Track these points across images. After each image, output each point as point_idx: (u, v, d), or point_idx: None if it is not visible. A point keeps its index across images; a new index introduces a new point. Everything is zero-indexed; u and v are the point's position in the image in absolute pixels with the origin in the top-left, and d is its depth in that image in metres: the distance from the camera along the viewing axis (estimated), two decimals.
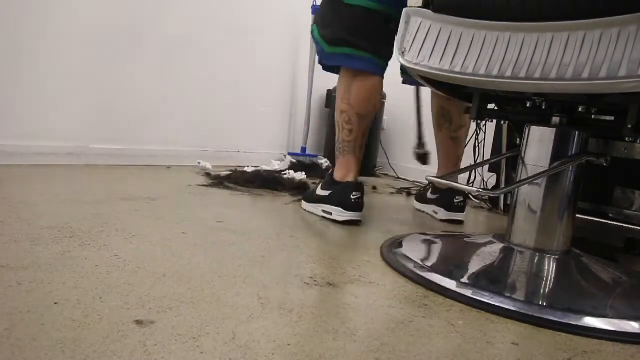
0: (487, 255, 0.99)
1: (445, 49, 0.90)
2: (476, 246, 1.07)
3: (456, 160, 1.63)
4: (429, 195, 1.62)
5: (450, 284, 0.85)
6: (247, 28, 2.27)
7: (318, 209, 1.38)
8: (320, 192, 1.39)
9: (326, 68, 1.46)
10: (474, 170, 2.00)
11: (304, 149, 2.47)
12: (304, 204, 1.45)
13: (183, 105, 2.08)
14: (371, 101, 1.37)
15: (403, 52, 0.97)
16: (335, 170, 1.41)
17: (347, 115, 1.37)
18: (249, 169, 1.90)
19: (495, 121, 1.80)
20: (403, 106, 2.72)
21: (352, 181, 1.35)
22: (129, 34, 1.85)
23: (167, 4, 1.95)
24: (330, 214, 1.33)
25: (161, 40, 1.96)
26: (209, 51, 2.03)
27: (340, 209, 1.31)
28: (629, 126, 0.83)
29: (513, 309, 0.77)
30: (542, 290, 0.86)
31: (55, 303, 0.62)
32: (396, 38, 1.00)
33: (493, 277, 0.88)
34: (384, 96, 2.55)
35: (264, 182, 1.72)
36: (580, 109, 0.92)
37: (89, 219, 1.03)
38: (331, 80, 2.62)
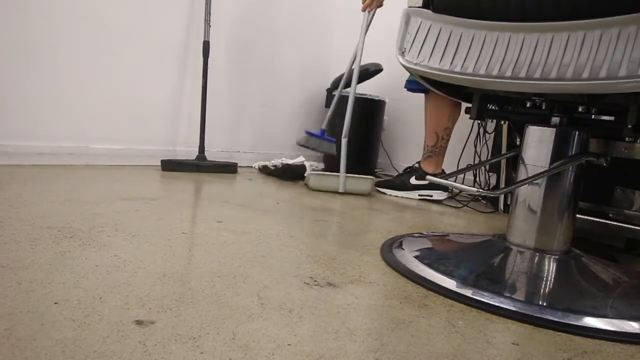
0: (487, 255, 0.99)
1: (445, 49, 0.90)
2: (476, 246, 1.07)
3: None
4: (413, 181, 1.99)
5: (450, 284, 0.85)
6: (249, 28, 2.28)
7: (414, 194, 1.94)
8: (415, 182, 1.94)
9: (413, 91, 2.01)
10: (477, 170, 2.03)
11: (323, 132, 2.11)
12: (391, 192, 1.97)
13: (183, 105, 2.08)
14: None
15: (403, 52, 0.97)
16: (427, 166, 1.95)
17: (449, 130, 1.93)
18: (271, 165, 2.17)
19: (494, 121, 1.81)
20: (403, 106, 2.72)
21: (442, 171, 1.98)
22: (128, 33, 1.85)
23: (165, 4, 1.95)
24: (431, 196, 1.93)
25: (160, 40, 1.96)
26: (209, 51, 2.03)
27: (440, 191, 1.94)
28: (629, 126, 0.83)
29: (513, 309, 0.77)
30: (542, 290, 0.86)
31: (55, 303, 0.62)
32: (397, 38, 1.00)
33: (493, 277, 0.88)
34: (384, 97, 2.55)
35: (294, 173, 2.12)
36: (580, 109, 0.92)
37: (89, 219, 1.03)
38: (330, 80, 2.63)
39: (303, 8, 2.51)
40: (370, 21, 1.98)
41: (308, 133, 2.10)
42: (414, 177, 1.96)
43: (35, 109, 1.65)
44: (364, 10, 1.96)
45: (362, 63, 2.15)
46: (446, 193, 1.97)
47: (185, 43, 2.04)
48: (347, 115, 1.92)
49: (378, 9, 1.98)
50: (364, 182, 1.88)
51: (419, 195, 1.94)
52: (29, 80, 1.62)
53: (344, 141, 1.90)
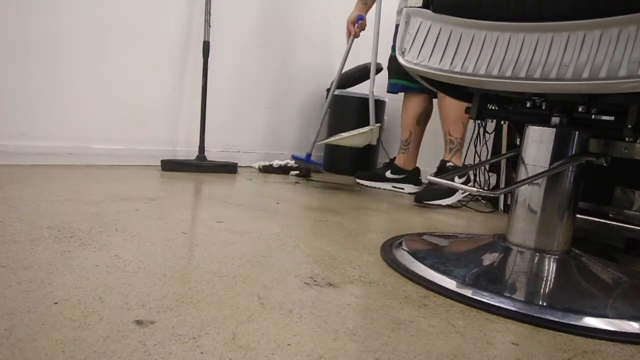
0: (487, 255, 0.99)
1: (445, 49, 0.90)
2: (476, 246, 1.07)
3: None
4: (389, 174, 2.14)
5: (450, 284, 0.85)
6: (249, 28, 2.27)
7: (388, 185, 2.08)
8: (390, 175, 2.09)
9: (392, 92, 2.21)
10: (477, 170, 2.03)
11: (309, 155, 2.30)
12: (367, 182, 2.12)
13: (183, 105, 2.08)
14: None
15: (403, 52, 0.97)
16: (400, 161, 2.11)
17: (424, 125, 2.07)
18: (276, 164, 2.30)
19: (494, 121, 1.81)
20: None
21: (417, 168, 2.15)
22: (128, 33, 1.85)
23: (165, 4, 1.95)
24: (403, 189, 2.06)
25: (160, 40, 1.96)
26: (209, 51, 2.03)
27: (412, 185, 2.07)
28: (629, 126, 0.83)
29: (513, 309, 0.77)
30: (542, 290, 0.86)
31: (55, 303, 0.62)
32: (397, 38, 1.00)
33: (493, 277, 0.88)
34: (384, 97, 2.55)
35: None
36: (580, 109, 0.92)
37: (89, 219, 1.03)
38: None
39: (304, 10, 2.51)
40: (350, 45, 2.19)
41: (295, 157, 2.30)
42: (389, 171, 2.12)
43: (35, 109, 1.65)
44: (358, 36, 2.17)
45: (362, 62, 2.20)
46: (417, 188, 2.06)
47: (185, 43, 2.04)
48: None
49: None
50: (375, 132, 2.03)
51: (393, 187, 2.09)
52: (29, 80, 1.62)
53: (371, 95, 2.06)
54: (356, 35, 2.17)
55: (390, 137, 2.80)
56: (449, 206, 1.86)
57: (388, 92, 2.23)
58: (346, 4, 2.66)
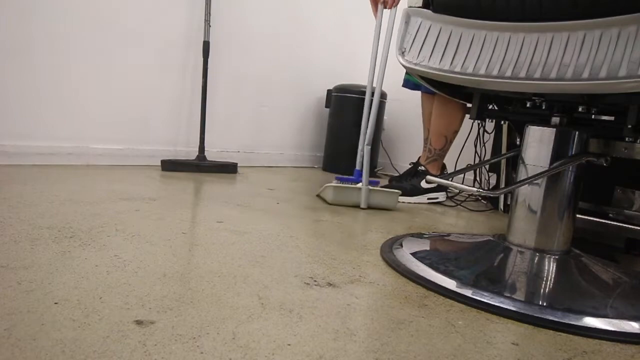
0: (487, 255, 0.99)
1: (445, 49, 0.90)
2: (476, 246, 1.07)
3: None
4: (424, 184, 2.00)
5: (450, 284, 0.85)
6: (249, 28, 2.28)
7: (424, 198, 1.91)
8: (425, 185, 1.92)
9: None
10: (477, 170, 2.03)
11: (358, 172, 1.64)
12: (406, 199, 1.86)
13: (183, 105, 2.08)
14: None
15: (403, 52, 0.97)
16: (432, 169, 1.97)
17: (457, 132, 1.92)
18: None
19: (494, 121, 1.81)
20: (403, 106, 2.72)
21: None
22: (128, 33, 1.85)
23: (165, 4, 1.95)
24: (437, 198, 1.93)
25: (160, 40, 1.96)
26: (209, 51, 2.03)
27: (444, 193, 1.95)
28: (629, 126, 0.83)
29: (513, 309, 0.77)
30: (542, 290, 0.86)
31: (55, 303, 0.62)
32: (396, 38, 1.00)
33: (493, 277, 0.88)
34: (384, 96, 2.54)
35: None
36: (580, 109, 0.92)
37: (89, 219, 1.03)
38: (330, 80, 2.63)
39: (304, 11, 2.51)
40: (394, 19, 1.59)
41: (339, 179, 1.66)
42: (424, 180, 1.88)
43: (35, 109, 1.65)
44: (390, 7, 1.61)
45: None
46: (445, 193, 1.97)
47: (185, 43, 2.04)
48: (371, 118, 1.61)
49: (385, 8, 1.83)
50: (390, 197, 1.62)
51: (428, 198, 1.90)
52: (29, 80, 1.62)
53: (366, 149, 1.60)
54: (391, 5, 1.59)
55: (390, 137, 2.80)
56: (441, 204, 1.92)
57: (410, 88, 2.02)
58: (350, 3, 2.67)
